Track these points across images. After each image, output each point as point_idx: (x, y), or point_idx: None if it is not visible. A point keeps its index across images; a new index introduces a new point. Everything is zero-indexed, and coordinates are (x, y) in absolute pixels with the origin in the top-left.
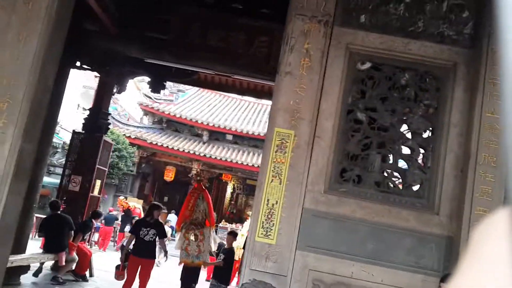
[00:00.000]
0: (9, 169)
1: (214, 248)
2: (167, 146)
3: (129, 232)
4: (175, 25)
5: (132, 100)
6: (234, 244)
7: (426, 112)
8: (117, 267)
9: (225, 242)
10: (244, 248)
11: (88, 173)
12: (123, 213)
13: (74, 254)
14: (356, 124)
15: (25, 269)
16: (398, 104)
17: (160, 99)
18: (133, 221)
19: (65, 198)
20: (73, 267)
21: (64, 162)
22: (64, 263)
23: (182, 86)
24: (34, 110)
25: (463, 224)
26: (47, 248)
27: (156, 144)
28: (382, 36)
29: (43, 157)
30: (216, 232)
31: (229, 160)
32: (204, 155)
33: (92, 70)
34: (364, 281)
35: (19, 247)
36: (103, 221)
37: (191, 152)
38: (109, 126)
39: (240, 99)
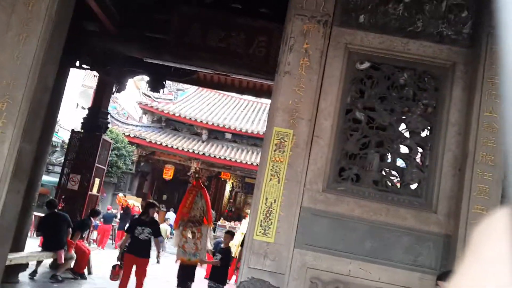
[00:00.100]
0: (9, 168)
1: (210, 246)
2: (166, 145)
3: (124, 231)
4: (174, 25)
5: (131, 99)
6: (231, 243)
7: (425, 111)
8: (114, 267)
9: (222, 240)
10: (241, 245)
11: (87, 172)
12: (122, 211)
13: (73, 252)
14: (354, 124)
15: (23, 267)
16: (396, 104)
17: (159, 98)
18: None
19: (64, 196)
20: (72, 265)
21: (63, 160)
22: (63, 261)
23: (181, 85)
24: (34, 110)
25: (461, 222)
26: (46, 246)
27: (155, 143)
28: (381, 36)
29: (42, 156)
30: (214, 230)
31: (228, 158)
32: (203, 154)
33: (91, 69)
34: (361, 279)
35: (18, 245)
36: (101, 220)
37: (190, 151)
38: (108, 125)
39: (239, 98)
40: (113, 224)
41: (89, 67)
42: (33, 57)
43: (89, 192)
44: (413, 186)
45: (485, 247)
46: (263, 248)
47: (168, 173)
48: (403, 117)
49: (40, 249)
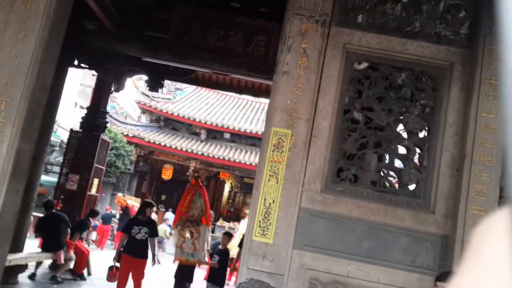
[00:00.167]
0: (7, 168)
1: (207, 247)
2: (165, 145)
3: (121, 231)
4: (173, 24)
5: (130, 98)
6: (231, 243)
7: (423, 111)
8: (110, 268)
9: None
10: (239, 246)
11: (86, 172)
12: (121, 212)
13: (72, 253)
14: (352, 124)
15: (23, 268)
16: (394, 104)
17: (158, 98)
18: None
19: (62, 196)
20: (71, 266)
21: (61, 160)
22: (62, 261)
23: (180, 85)
24: (32, 109)
25: (459, 223)
26: (45, 247)
27: (154, 142)
28: (379, 36)
29: (40, 155)
30: (213, 231)
31: (226, 158)
32: (202, 154)
33: (90, 68)
34: (360, 280)
35: (17, 246)
36: (100, 220)
37: (189, 150)
38: (107, 125)
39: (238, 97)
40: (112, 224)
41: (87, 66)
42: (31, 56)
43: (88, 192)
44: (411, 186)
45: (484, 248)
46: (262, 249)
47: (167, 173)
48: (401, 117)
49: (39, 250)
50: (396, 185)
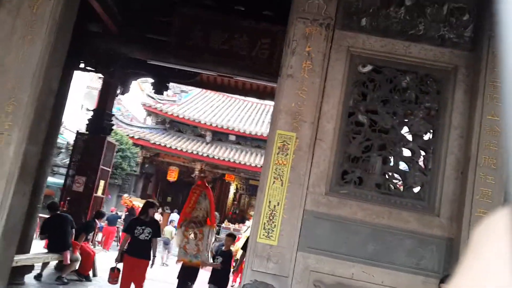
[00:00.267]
0: (14, 170)
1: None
2: (170, 147)
3: (123, 231)
4: (178, 27)
5: (136, 100)
6: (236, 246)
7: (427, 114)
8: (112, 269)
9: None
10: (243, 249)
11: (92, 174)
12: (127, 213)
13: (78, 254)
14: (357, 127)
15: (29, 268)
16: (399, 107)
17: (163, 100)
18: None
19: (68, 198)
20: (77, 267)
21: (68, 162)
22: (68, 262)
23: (185, 87)
24: (39, 113)
25: (463, 226)
26: (51, 248)
27: (159, 144)
28: (383, 39)
29: (47, 158)
30: (218, 232)
31: (232, 160)
32: (207, 156)
33: (95, 71)
34: (364, 282)
35: (24, 247)
36: (106, 221)
37: (194, 152)
38: (113, 127)
39: (243, 99)
40: (117, 226)
41: (93, 69)
42: (37, 59)
43: (94, 194)
44: (416, 189)
45: (485, 247)
46: (267, 251)
47: (172, 175)
48: (406, 120)
49: (45, 250)
50: (401, 188)
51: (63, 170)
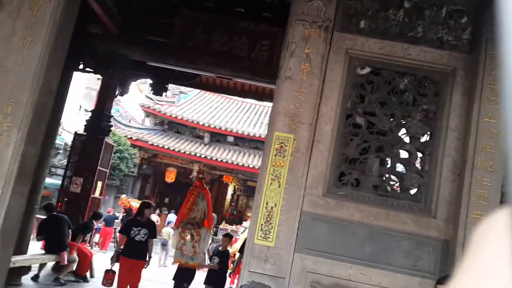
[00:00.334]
0: (12, 171)
1: (208, 251)
2: (168, 148)
3: (119, 232)
4: (177, 28)
5: (134, 101)
6: (234, 247)
7: (425, 116)
8: (107, 271)
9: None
10: (240, 251)
11: (90, 175)
12: (124, 214)
13: (75, 254)
14: (355, 128)
15: (26, 269)
16: (397, 109)
17: (162, 101)
18: None
19: (66, 199)
20: (74, 268)
21: (65, 163)
22: (66, 262)
23: (184, 88)
24: (38, 114)
25: (460, 227)
26: (48, 248)
27: (158, 145)
28: (381, 42)
29: (45, 158)
30: (216, 234)
31: (230, 161)
32: (205, 157)
33: (95, 73)
34: (362, 284)
35: (21, 248)
36: (103, 222)
37: (192, 153)
38: (111, 128)
39: (242, 101)
40: (114, 227)
41: (92, 70)
42: (37, 61)
43: (92, 195)
44: (413, 191)
45: (485, 247)
46: (264, 252)
47: (170, 176)
48: (403, 122)
49: (42, 251)
50: (398, 190)
51: (61, 171)
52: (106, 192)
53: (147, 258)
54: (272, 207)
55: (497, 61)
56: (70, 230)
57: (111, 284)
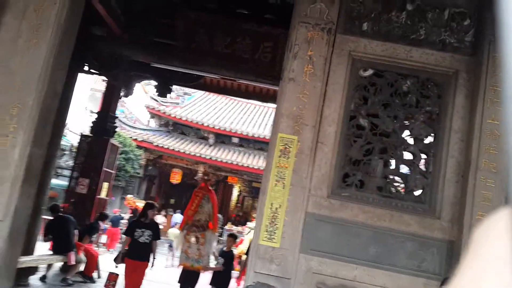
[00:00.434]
0: (19, 172)
1: (215, 253)
2: (173, 149)
3: (123, 233)
4: (181, 30)
5: (139, 102)
6: (240, 249)
7: (428, 118)
8: (111, 273)
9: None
10: (247, 253)
11: (95, 176)
12: (131, 214)
13: (82, 255)
14: (358, 130)
15: (33, 270)
16: (400, 110)
17: (166, 102)
18: None
19: (72, 200)
20: (82, 268)
21: (71, 164)
22: (73, 262)
23: (188, 89)
24: (43, 115)
25: (464, 228)
26: (55, 249)
27: (163, 146)
28: (384, 44)
29: (51, 160)
30: (221, 235)
31: (234, 163)
32: (210, 158)
33: (99, 74)
34: (366, 284)
35: (28, 248)
36: (110, 223)
37: (197, 155)
38: (116, 129)
39: (246, 102)
40: (121, 228)
41: (97, 72)
42: (42, 63)
43: (98, 196)
44: (417, 192)
45: (485, 248)
46: (269, 253)
47: (175, 177)
48: (407, 123)
49: (50, 252)
50: (402, 191)
51: (67, 172)
52: (112, 193)
53: (152, 259)
54: (276, 208)
55: (498, 63)
56: (76, 231)
57: (114, 286)
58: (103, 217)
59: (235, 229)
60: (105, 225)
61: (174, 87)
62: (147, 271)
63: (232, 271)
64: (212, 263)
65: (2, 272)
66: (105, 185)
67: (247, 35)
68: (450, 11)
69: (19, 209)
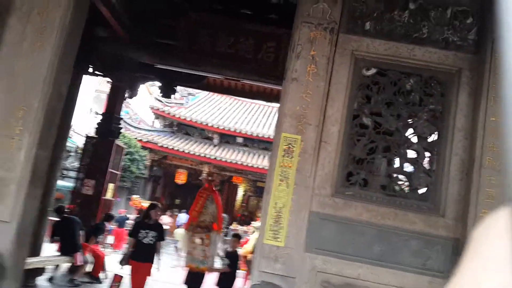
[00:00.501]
0: (25, 174)
1: (221, 253)
2: (178, 149)
3: (128, 234)
4: (184, 31)
5: (144, 103)
6: (245, 249)
7: (431, 116)
8: (115, 275)
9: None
10: (253, 252)
11: (101, 177)
12: (137, 215)
13: (89, 255)
14: (361, 129)
15: (40, 271)
16: (403, 109)
17: (171, 103)
18: None
19: (78, 201)
20: (88, 269)
21: (77, 166)
22: (79, 263)
23: (192, 90)
24: (49, 117)
25: (469, 226)
26: (62, 250)
27: (167, 147)
28: (387, 43)
29: (57, 161)
30: (227, 235)
31: (239, 162)
32: (215, 158)
33: (104, 76)
34: (371, 283)
35: (35, 249)
36: (116, 223)
37: (202, 155)
38: (121, 130)
39: (250, 102)
40: (127, 228)
41: (101, 74)
42: (47, 65)
43: (103, 197)
44: (421, 190)
45: (484, 246)
46: (274, 252)
47: (180, 177)
48: (410, 122)
49: (57, 253)
50: (406, 189)
51: (73, 174)
52: (118, 194)
53: (157, 261)
54: (281, 208)
55: (498, 62)
56: (82, 232)
57: (118, 287)
58: (109, 218)
59: (240, 229)
60: (111, 225)
61: (179, 87)
62: (153, 271)
63: (238, 271)
64: (217, 263)
65: (10, 273)
66: (111, 186)
67: (250, 35)
68: (452, 10)
69: (26, 210)
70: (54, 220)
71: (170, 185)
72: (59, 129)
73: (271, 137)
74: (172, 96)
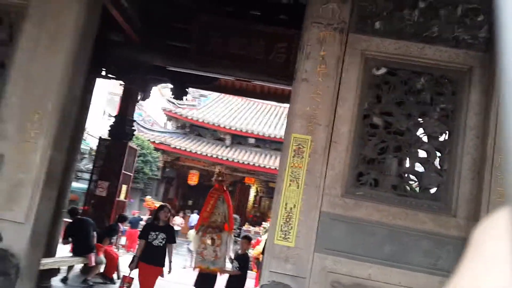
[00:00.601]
0: (41, 176)
1: (231, 254)
2: (190, 151)
3: (138, 236)
4: (196, 33)
5: (156, 105)
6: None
7: (442, 115)
8: (124, 276)
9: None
10: (263, 253)
11: (114, 179)
12: (150, 216)
13: (102, 256)
14: (372, 129)
15: (55, 272)
16: (414, 108)
17: (183, 105)
18: None
19: (92, 202)
20: (102, 270)
21: (91, 167)
22: (93, 263)
23: (204, 91)
24: (63, 120)
25: None
26: (76, 251)
27: (180, 148)
28: (397, 42)
29: (71, 163)
30: (239, 235)
31: (251, 163)
32: (227, 159)
33: (117, 79)
34: (381, 283)
35: (50, 250)
36: (129, 224)
37: (214, 156)
38: (134, 132)
39: (262, 102)
40: (139, 229)
41: (114, 77)
42: (61, 69)
43: (117, 198)
44: (432, 190)
45: (485, 246)
46: (284, 252)
47: (193, 179)
48: (421, 121)
49: (71, 254)
50: (417, 189)
51: (87, 175)
52: (131, 195)
53: (168, 263)
54: (291, 208)
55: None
56: (95, 233)
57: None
58: (122, 219)
59: (252, 229)
60: (124, 226)
61: (190, 89)
62: (165, 273)
63: (248, 273)
64: (228, 264)
65: (25, 274)
66: (124, 187)
67: (260, 37)
68: (463, 8)
69: (41, 211)
70: (67, 222)
71: (183, 186)
72: (73, 132)
73: (283, 137)
74: (184, 97)
